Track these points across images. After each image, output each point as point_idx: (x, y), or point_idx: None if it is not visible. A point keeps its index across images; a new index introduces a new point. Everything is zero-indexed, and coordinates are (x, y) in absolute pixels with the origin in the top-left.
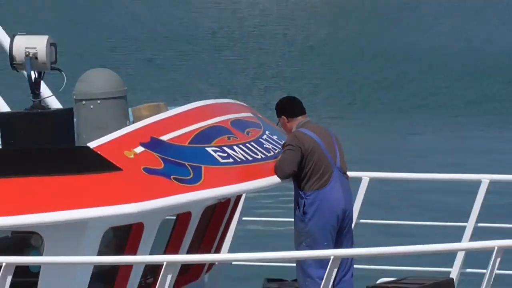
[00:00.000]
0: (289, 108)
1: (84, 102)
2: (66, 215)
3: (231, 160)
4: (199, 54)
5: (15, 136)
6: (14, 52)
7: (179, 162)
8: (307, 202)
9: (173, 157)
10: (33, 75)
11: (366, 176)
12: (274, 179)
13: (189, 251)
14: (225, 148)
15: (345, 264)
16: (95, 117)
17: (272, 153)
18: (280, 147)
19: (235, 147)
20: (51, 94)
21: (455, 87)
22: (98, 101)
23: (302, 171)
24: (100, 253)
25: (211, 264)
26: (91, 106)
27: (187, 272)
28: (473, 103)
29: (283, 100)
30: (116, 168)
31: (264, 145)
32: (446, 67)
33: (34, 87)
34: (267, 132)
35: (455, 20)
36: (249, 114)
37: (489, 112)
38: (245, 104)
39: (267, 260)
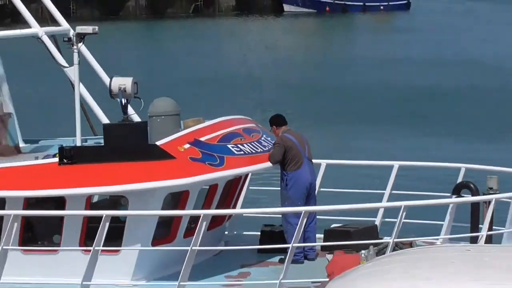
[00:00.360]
0: (277, 121)
1: (154, 117)
2: (142, 185)
3: (242, 152)
4: (222, 89)
5: (112, 138)
6: (112, 87)
7: (211, 154)
8: (288, 178)
9: (207, 151)
10: (123, 101)
11: (324, 162)
12: (268, 164)
13: (217, 208)
14: (239, 145)
15: (312, 216)
16: (160, 126)
17: (267, 148)
18: (272, 144)
19: (244, 145)
20: (134, 112)
21: (383, 108)
22: (163, 117)
23: (285, 159)
24: (162, 208)
25: (230, 216)
26: (158, 120)
27: (215, 221)
28: (395, 118)
29: (274, 116)
30: (173, 157)
31: (262, 143)
32: (378, 96)
33: (124, 108)
34: (264, 136)
35: (382, 69)
36: (253, 125)
37: (406, 124)
38: (250, 119)
39: (265, 213)
